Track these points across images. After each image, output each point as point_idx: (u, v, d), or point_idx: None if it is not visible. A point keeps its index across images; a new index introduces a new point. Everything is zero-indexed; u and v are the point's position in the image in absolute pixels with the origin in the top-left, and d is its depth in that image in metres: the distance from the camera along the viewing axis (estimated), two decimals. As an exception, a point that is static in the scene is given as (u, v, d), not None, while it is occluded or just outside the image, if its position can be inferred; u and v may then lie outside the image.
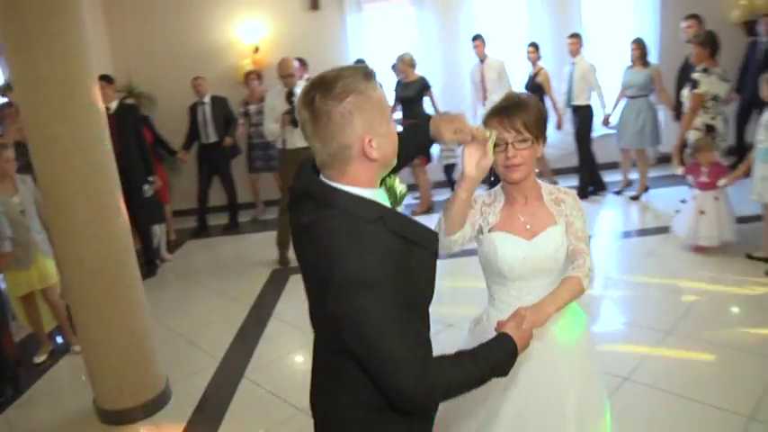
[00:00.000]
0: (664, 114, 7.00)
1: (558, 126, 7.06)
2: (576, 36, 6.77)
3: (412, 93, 6.71)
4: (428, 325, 1.54)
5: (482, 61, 6.95)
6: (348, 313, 1.32)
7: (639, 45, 6.49)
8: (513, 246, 1.88)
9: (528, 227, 1.90)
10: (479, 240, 1.95)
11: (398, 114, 6.82)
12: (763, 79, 4.43)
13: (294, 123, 5.20)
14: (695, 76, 5.21)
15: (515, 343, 1.54)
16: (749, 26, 7.53)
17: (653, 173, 6.86)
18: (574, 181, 7.00)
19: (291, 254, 5.73)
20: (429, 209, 6.98)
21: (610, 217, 6.39)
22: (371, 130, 1.36)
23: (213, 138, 6.85)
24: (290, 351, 4.14)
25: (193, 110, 6.87)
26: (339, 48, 7.58)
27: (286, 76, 5.27)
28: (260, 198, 7.65)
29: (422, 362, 1.37)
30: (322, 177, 1.43)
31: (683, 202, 5.65)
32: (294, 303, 4.87)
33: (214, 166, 6.96)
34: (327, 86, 1.34)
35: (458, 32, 7.51)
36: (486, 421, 1.91)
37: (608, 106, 6.77)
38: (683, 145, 5.36)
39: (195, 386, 3.69)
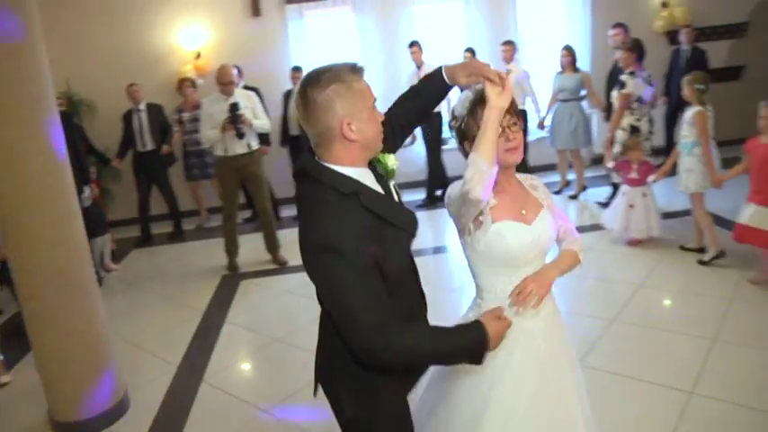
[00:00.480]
0: (596, 117, 7.39)
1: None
2: (509, 43, 7.03)
3: None
4: (404, 295, 1.71)
5: (419, 67, 7.04)
6: (315, 274, 1.56)
7: (569, 52, 6.84)
8: (520, 232, 1.86)
9: (524, 212, 1.90)
10: (477, 235, 1.85)
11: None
12: (685, 81, 4.78)
13: (238, 132, 5.21)
14: (622, 77, 5.58)
15: (487, 333, 1.64)
16: (671, 35, 8.06)
17: (589, 173, 7.20)
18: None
19: (240, 260, 5.73)
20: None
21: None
22: (351, 115, 1.55)
23: (150, 145, 6.72)
24: (248, 354, 4.14)
25: (128, 117, 6.71)
26: (281, 54, 7.61)
27: (225, 83, 5.24)
28: (203, 205, 7.55)
29: (379, 323, 1.52)
30: (315, 157, 1.65)
31: (601, 203, 6.20)
32: (247, 308, 4.87)
33: (151, 174, 6.84)
34: (316, 77, 1.57)
35: (398, 39, 7.65)
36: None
37: (542, 110, 7.09)
38: (612, 141, 5.71)
39: (154, 394, 3.63)
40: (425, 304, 1.94)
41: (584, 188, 7.00)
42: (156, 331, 4.61)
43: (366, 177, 1.65)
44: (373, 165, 1.72)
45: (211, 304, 4.99)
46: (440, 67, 1.85)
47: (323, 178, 1.58)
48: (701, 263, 4.68)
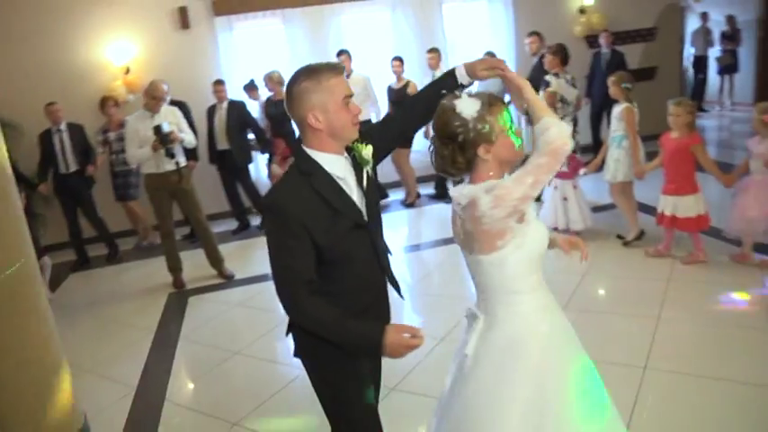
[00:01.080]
0: (523, 120, 7.62)
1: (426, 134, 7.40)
2: (434, 50, 7.23)
3: (281, 110, 6.74)
4: (339, 279, 1.90)
5: (347, 76, 7.13)
6: (263, 227, 1.98)
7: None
8: (543, 228, 1.87)
9: None
10: (522, 231, 1.78)
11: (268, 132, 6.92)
12: (611, 80, 5.12)
13: (167, 152, 5.11)
14: (547, 78, 5.86)
15: (382, 342, 1.78)
16: (589, 40, 8.55)
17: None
18: (430, 188, 7.62)
19: (186, 276, 5.60)
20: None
21: None
22: (317, 108, 1.82)
23: (73, 167, 6.47)
24: (209, 369, 4.05)
25: (45, 138, 6.41)
26: (211, 66, 7.54)
27: (157, 97, 5.17)
28: (142, 224, 7.30)
29: (296, 286, 1.82)
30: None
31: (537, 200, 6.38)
32: (200, 324, 4.77)
33: (75, 196, 6.58)
34: (296, 74, 1.86)
35: (327, 48, 7.69)
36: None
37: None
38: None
39: (115, 419, 3.51)
40: (384, 303, 2.07)
41: None
42: (108, 355, 4.44)
43: (335, 163, 1.89)
44: (353, 153, 1.95)
45: (162, 323, 4.86)
46: (452, 69, 2.03)
47: (297, 157, 1.92)
48: (624, 243, 5.10)
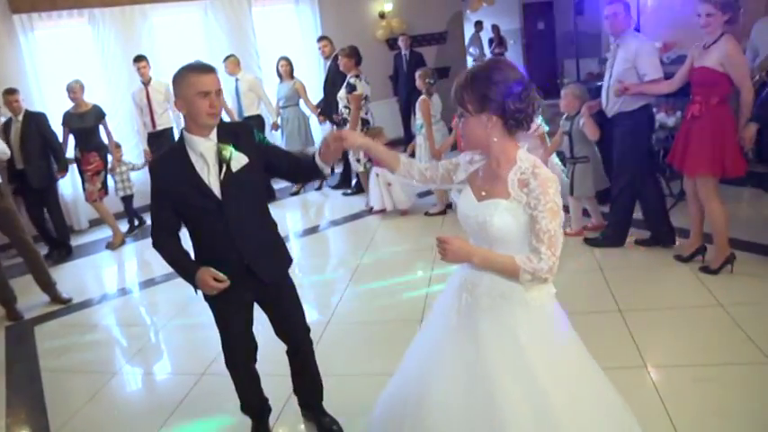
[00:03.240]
0: (316, 120, 7.91)
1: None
2: (231, 57, 7.32)
3: (89, 123, 6.39)
4: (201, 231, 2.55)
5: (146, 84, 6.81)
6: None
7: (288, 62, 7.53)
8: (466, 200, 2.04)
9: (483, 192, 1.99)
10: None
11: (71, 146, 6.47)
12: (419, 75, 5.93)
13: None
14: (351, 81, 6.40)
15: (195, 276, 2.46)
16: (390, 43, 9.33)
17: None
18: None
19: (20, 305, 5.05)
20: None
21: (330, 208, 7.30)
22: (180, 96, 2.37)
23: None
24: (91, 395, 3.77)
25: None
26: (13, 70, 6.73)
27: None
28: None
29: (155, 229, 2.57)
30: None
31: (345, 194, 7.32)
32: (60, 351, 4.42)
33: None
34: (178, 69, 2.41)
35: (139, 51, 7.14)
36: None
37: (273, 114, 7.62)
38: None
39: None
40: (234, 251, 2.53)
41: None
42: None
43: (198, 144, 2.41)
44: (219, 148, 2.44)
45: (9, 360, 4.36)
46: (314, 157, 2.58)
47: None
48: (426, 214, 6.18)
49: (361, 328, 4.14)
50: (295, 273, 3.93)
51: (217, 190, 2.42)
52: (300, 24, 8.78)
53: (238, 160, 2.42)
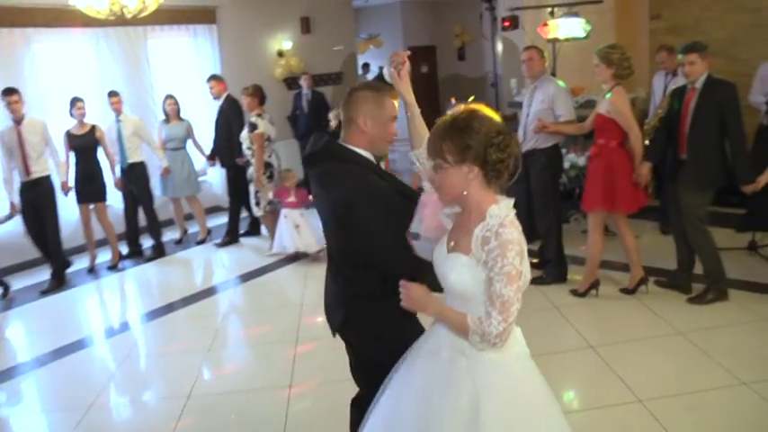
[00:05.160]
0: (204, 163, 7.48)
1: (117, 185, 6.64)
2: (114, 94, 6.54)
3: None
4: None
5: (18, 122, 5.83)
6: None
7: (175, 101, 6.88)
8: (439, 250, 1.96)
9: (452, 243, 1.91)
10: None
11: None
12: (333, 115, 6.00)
13: None
14: (253, 120, 6.18)
15: None
16: (288, 82, 9.19)
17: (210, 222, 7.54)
18: (147, 241, 6.86)
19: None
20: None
21: (220, 266, 6.69)
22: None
23: None
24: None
25: None
26: None
27: None
28: None
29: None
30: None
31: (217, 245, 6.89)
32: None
33: None
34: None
35: (21, 81, 6.43)
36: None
37: (164, 159, 6.75)
38: (261, 178, 6.19)
39: None
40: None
41: (209, 232, 7.19)
42: None
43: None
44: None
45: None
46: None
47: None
48: None
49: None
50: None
51: None
52: (198, 58, 8.43)
53: None
